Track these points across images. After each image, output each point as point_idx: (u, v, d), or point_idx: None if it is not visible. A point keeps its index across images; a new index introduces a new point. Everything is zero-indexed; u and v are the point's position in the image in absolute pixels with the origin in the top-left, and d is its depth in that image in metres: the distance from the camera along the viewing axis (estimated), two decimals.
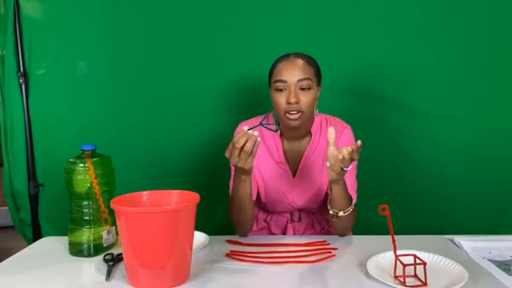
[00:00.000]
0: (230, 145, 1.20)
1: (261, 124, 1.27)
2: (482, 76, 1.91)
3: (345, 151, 1.16)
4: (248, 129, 1.18)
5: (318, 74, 1.41)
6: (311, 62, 1.39)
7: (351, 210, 1.31)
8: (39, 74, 1.87)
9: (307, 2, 1.90)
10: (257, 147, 1.19)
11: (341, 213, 1.30)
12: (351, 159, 1.17)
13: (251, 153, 1.18)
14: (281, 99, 1.35)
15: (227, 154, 1.21)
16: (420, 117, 1.93)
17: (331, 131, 1.21)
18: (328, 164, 1.21)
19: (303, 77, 1.35)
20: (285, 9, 1.90)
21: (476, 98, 1.92)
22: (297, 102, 1.33)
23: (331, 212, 1.31)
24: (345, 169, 1.19)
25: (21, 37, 1.84)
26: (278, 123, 1.34)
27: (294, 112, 1.34)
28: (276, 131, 1.35)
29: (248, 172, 1.26)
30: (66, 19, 1.87)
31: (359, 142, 1.14)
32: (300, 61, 1.37)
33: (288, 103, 1.33)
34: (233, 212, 1.39)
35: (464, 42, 1.90)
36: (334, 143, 1.21)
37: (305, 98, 1.35)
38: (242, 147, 1.16)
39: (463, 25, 1.89)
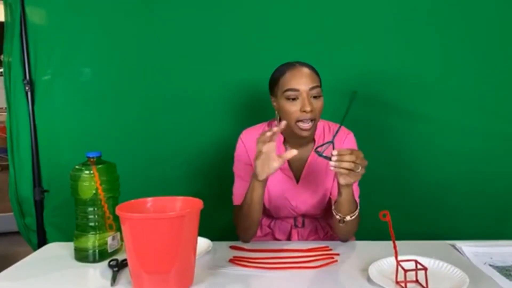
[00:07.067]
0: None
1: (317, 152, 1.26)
2: (485, 81, 1.92)
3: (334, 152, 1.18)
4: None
5: (321, 81, 1.42)
6: (314, 70, 1.41)
7: (356, 214, 1.32)
8: (44, 81, 1.88)
9: (309, 8, 1.92)
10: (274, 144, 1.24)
11: (348, 218, 1.30)
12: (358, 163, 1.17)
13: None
14: (293, 108, 1.36)
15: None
16: (422, 123, 1.93)
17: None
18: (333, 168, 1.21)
19: (314, 85, 1.36)
20: (288, 14, 1.92)
21: (479, 104, 1.92)
22: (311, 111, 1.34)
23: (337, 217, 1.31)
24: (357, 171, 1.18)
25: (27, 45, 1.85)
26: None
27: (307, 120, 1.35)
28: None
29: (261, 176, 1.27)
30: (71, 26, 1.88)
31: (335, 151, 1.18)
32: (306, 70, 1.38)
33: (303, 111, 1.34)
34: (241, 215, 1.38)
35: (466, 47, 1.91)
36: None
37: (317, 106, 1.36)
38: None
39: (464, 30, 1.90)
